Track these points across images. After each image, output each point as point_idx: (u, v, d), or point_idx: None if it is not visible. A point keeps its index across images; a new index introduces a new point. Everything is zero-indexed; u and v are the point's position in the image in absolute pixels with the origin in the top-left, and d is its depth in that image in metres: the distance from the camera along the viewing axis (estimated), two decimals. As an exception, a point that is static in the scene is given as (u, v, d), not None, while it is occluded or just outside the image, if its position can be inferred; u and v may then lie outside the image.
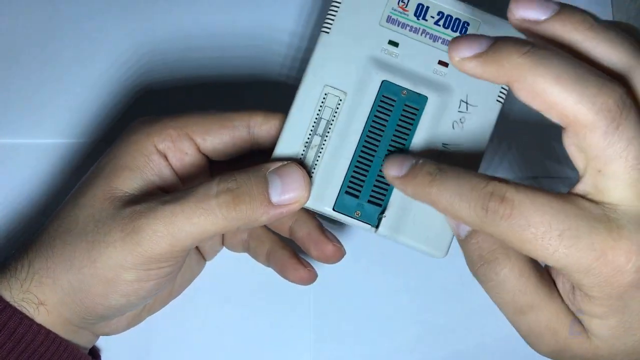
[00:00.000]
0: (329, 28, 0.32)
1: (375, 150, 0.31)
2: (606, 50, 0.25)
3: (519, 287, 0.27)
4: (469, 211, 0.26)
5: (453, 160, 0.31)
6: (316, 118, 0.31)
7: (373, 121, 0.31)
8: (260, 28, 0.42)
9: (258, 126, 0.33)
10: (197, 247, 0.37)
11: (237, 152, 0.34)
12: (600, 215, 0.25)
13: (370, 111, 0.31)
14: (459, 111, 0.31)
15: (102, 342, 0.37)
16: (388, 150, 0.31)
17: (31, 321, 0.30)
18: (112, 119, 0.40)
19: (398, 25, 0.32)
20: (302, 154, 0.31)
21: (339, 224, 0.40)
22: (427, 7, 0.32)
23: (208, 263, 0.38)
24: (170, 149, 0.32)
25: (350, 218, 0.31)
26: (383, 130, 0.31)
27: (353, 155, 0.31)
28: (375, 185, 0.31)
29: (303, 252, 0.35)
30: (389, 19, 0.32)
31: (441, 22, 0.32)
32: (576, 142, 0.25)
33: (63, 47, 0.41)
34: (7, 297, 0.30)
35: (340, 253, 0.34)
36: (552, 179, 0.41)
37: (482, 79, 0.26)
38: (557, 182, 0.41)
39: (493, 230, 0.25)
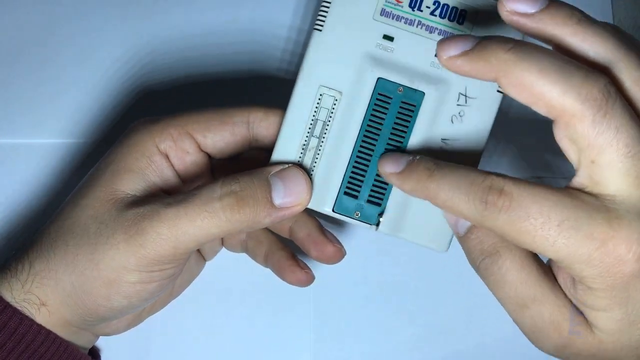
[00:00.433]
0: (322, 25, 0.31)
1: (372, 150, 0.31)
2: (592, 43, 0.26)
3: (521, 280, 0.27)
4: (468, 205, 0.26)
5: (453, 156, 0.31)
6: (312, 120, 0.31)
7: (370, 120, 0.31)
8: (257, 23, 0.41)
9: (258, 122, 0.33)
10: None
11: (238, 150, 0.34)
12: (598, 206, 0.25)
13: (367, 110, 0.31)
14: (457, 105, 0.31)
15: (102, 342, 0.37)
16: (386, 149, 0.31)
17: (31, 322, 0.30)
18: (112, 119, 0.40)
19: (393, 18, 0.31)
20: (300, 157, 0.31)
21: (339, 224, 0.40)
22: None
23: (208, 263, 0.38)
24: (172, 148, 0.32)
25: (349, 219, 0.31)
26: (380, 130, 0.31)
27: (351, 156, 0.31)
28: (374, 185, 0.31)
29: (302, 253, 0.35)
30: (383, 12, 0.31)
31: (437, 12, 0.31)
32: (567, 133, 0.25)
33: (63, 47, 0.41)
34: (8, 297, 0.30)
35: (340, 254, 0.34)
36: (553, 178, 0.41)
37: (470, 77, 0.26)
38: (558, 179, 0.41)
39: (492, 224, 0.26)
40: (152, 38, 0.41)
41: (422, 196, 0.28)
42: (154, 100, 0.41)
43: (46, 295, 0.30)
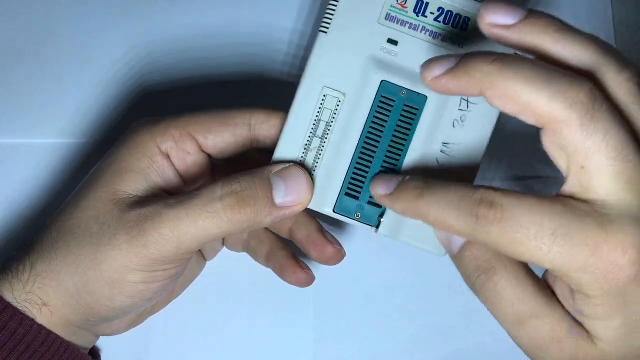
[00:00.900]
0: (327, 28, 0.31)
1: (374, 152, 0.31)
2: (574, 50, 0.26)
3: (517, 296, 0.27)
4: (459, 221, 0.26)
5: (454, 160, 0.31)
6: (315, 120, 0.31)
7: (372, 122, 0.31)
8: (260, 26, 0.41)
9: (259, 124, 0.33)
10: (197, 247, 0.37)
11: (239, 151, 0.34)
12: (590, 211, 0.25)
13: (370, 112, 0.31)
14: (459, 109, 0.31)
15: (102, 342, 0.37)
16: (387, 151, 0.31)
17: (32, 322, 0.30)
18: (112, 119, 0.40)
19: (397, 23, 0.31)
20: (301, 157, 0.31)
21: (339, 225, 0.40)
22: (427, 3, 0.31)
23: (208, 263, 0.38)
24: (174, 149, 0.32)
25: (350, 220, 0.31)
26: (382, 132, 0.31)
27: (352, 157, 0.31)
28: None
29: (302, 254, 0.35)
30: (388, 17, 0.31)
31: (441, 19, 0.31)
32: (555, 140, 0.25)
33: (63, 47, 0.41)
34: (9, 298, 0.30)
35: (340, 255, 0.34)
36: (547, 178, 0.41)
37: (456, 94, 0.27)
38: (552, 184, 0.41)
39: (485, 237, 0.25)
40: (153, 38, 0.41)
41: (413, 216, 0.28)
42: (154, 101, 0.41)
43: (48, 296, 0.30)
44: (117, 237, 0.30)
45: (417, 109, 0.31)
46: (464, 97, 0.31)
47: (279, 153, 0.31)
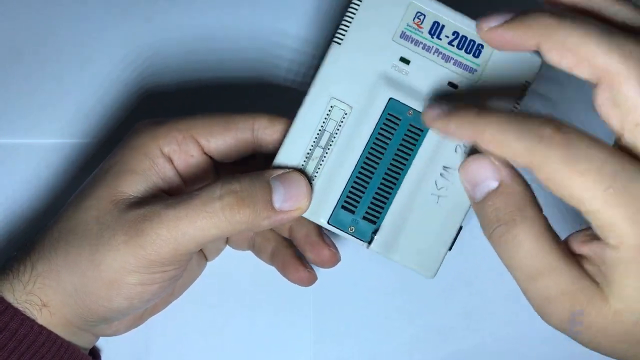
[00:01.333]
0: (341, 39, 0.31)
1: (375, 168, 0.31)
2: (630, 12, 0.26)
3: (536, 250, 0.27)
4: (519, 140, 0.25)
5: (451, 186, 0.31)
6: (319, 130, 0.31)
7: (376, 138, 0.31)
8: (262, 28, 0.41)
9: (262, 129, 0.33)
10: (199, 247, 0.37)
11: (241, 154, 0.34)
12: None
13: (374, 128, 0.31)
14: None
15: (102, 342, 0.37)
16: (388, 169, 0.31)
17: (32, 322, 0.30)
18: (112, 119, 0.40)
19: (411, 42, 0.31)
20: (302, 164, 0.31)
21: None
22: (443, 26, 0.31)
23: (208, 263, 0.38)
24: (176, 151, 0.32)
25: (344, 233, 0.31)
26: (385, 149, 0.31)
27: (353, 171, 0.31)
28: (372, 203, 0.31)
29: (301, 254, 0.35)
30: (403, 35, 0.31)
31: (455, 43, 0.31)
32: (610, 96, 0.25)
33: (63, 47, 0.41)
34: (10, 298, 0.30)
35: (335, 258, 0.34)
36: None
37: (511, 48, 0.26)
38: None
39: (543, 160, 0.25)
40: (153, 38, 0.41)
41: (466, 135, 0.27)
42: (155, 101, 0.41)
43: (47, 296, 0.30)
44: (116, 237, 0.30)
45: (422, 131, 0.31)
46: None
47: (280, 158, 0.31)
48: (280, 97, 0.41)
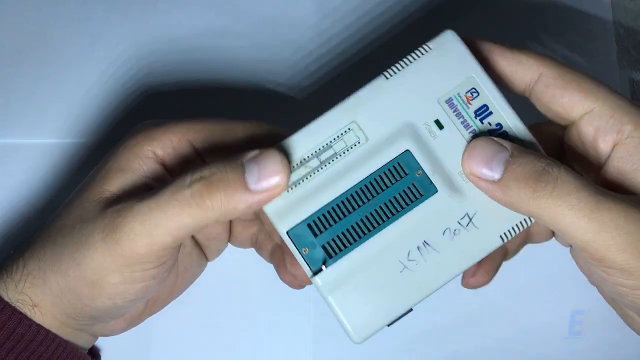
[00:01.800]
0: (391, 75, 0.30)
1: (359, 206, 0.30)
2: None
3: (584, 180, 0.28)
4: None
5: (421, 265, 0.29)
6: (326, 144, 0.30)
7: (374, 179, 0.30)
8: (263, 30, 0.42)
9: (261, 139, 0.32)
10: (199, 247, 0.36)
11: None
12: None
13: (378, 169, 0.30)
14: (458, 222, 0.30)
15: (102, 342, 0.37)
16: (370, 213, 0.30)
17: (30, 321, 0.30)
18: (112, 120, 0.40)
19: (454, 112, 0.30)
20: (294, 167, 0.30)
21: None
22: (491, 112, 0.30)
23: (208, 263, 0.38)
24: (170, 154, 0.32)
25: (296, 250, 0.29)
26: (378, 193, 0.30)
27: (336, 197, 0.30)
28: (338, 236, 0.29)
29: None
30: (449, 101, 0.30)
31: (495, 134, 0.30)
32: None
33: (63, 47, 0.41)
34: (5, 298, 0.30)
35: (296, 285, 0.34)
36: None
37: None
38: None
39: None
40: (153, 38, 0.41)
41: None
42: (154, 101, 0.41)
43: (37, 296, 0.30)
44: (94, 235, 0.29)
45: (422, 195, 0.30)
46: (469, 214, 0.30)
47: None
48: (279, 99, 0.41)
